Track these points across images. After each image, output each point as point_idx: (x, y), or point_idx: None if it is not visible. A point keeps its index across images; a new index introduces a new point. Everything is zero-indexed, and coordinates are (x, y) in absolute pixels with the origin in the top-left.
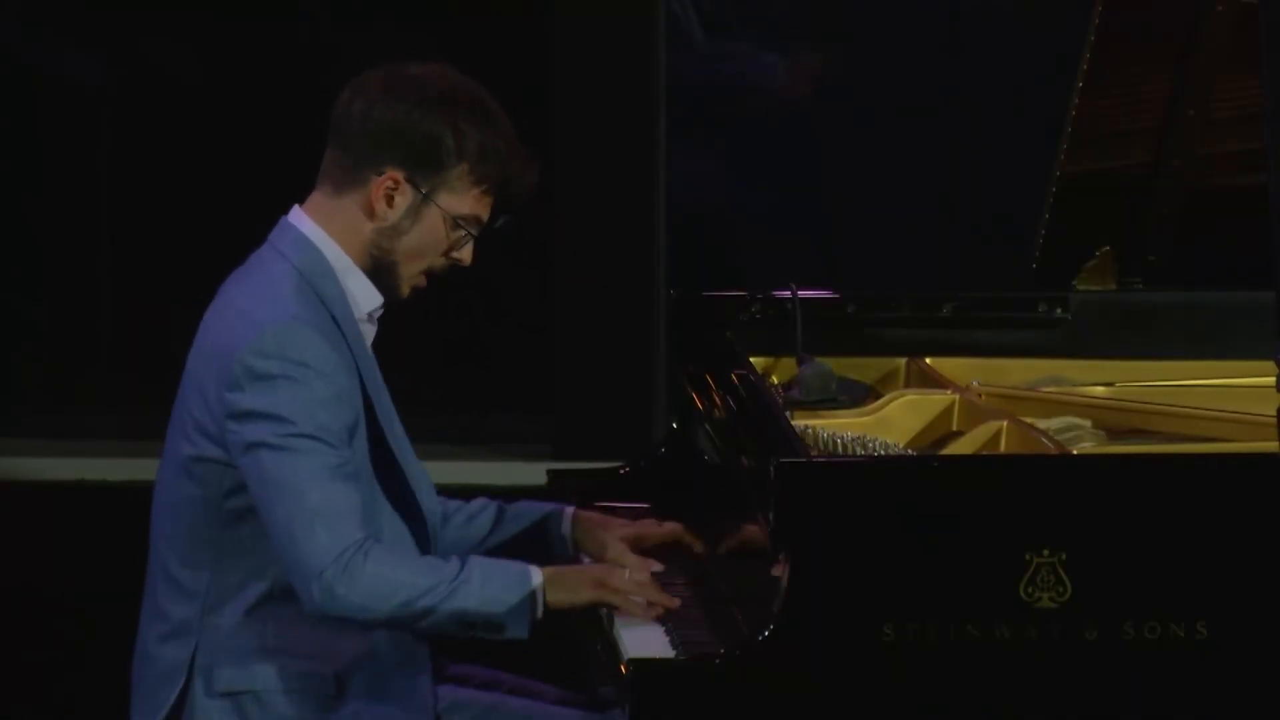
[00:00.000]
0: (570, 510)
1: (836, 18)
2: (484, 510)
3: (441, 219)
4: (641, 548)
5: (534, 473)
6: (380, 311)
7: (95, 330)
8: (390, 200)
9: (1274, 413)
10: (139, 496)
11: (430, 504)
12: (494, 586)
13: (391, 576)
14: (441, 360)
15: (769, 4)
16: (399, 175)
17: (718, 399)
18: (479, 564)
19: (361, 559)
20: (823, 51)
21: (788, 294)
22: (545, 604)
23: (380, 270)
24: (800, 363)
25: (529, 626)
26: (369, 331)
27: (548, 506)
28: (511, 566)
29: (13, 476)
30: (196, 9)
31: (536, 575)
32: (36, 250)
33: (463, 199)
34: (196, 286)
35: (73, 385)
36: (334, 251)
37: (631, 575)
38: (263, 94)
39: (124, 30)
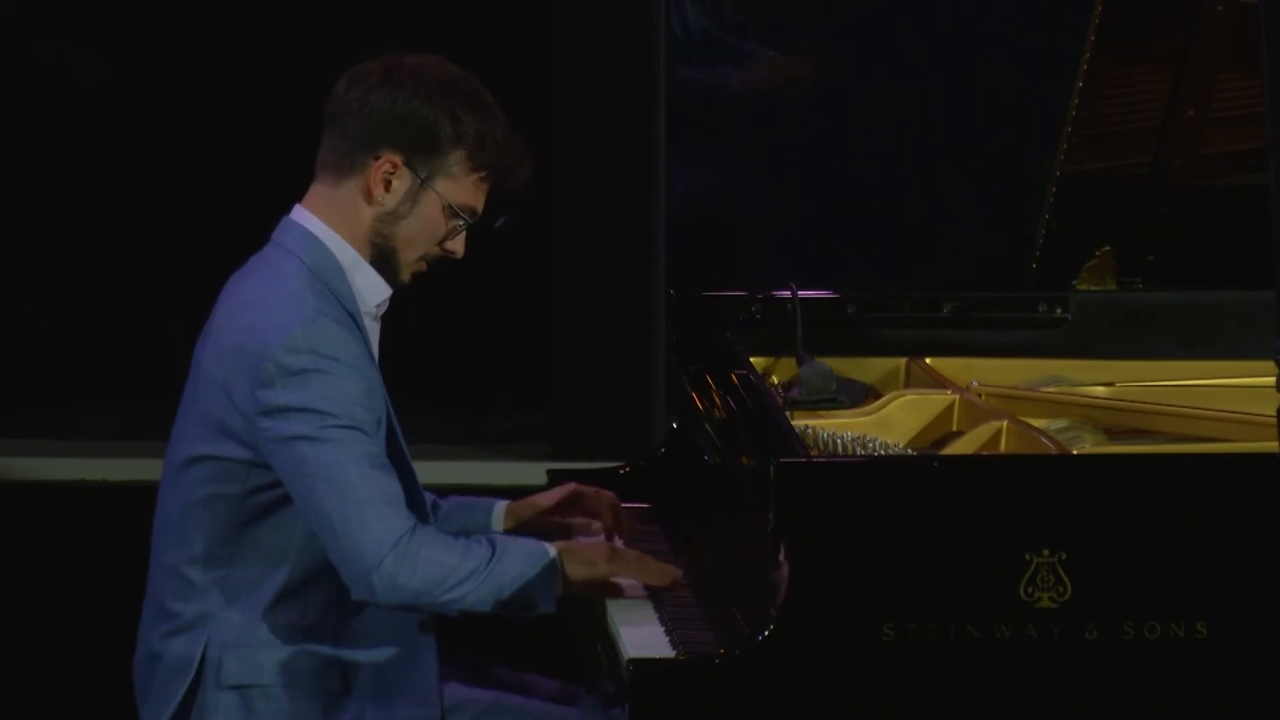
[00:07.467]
0: (502, 504)
1: (836, 18)
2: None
3: (439, 206)
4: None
5: (534, 473)
6: (385, 307)
7: (94, 331)
8: (388, 185)
9: (1274, 413)
10: (139, 496)
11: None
12: (522, 564)
13: (444, 561)
14: (441, 360)
15: (769, 4)
16: (397, 159)
17: (718, 399)
18: (505, 542)
19: (416, 545)
20: (822, 51)
21: (788, 294)
22: (566, 578)
23: (381, 258)
24: (800, 363)
25: (555, 601)
26: (374, 329)
27: (478, 501)
28: (529, 543)
29: (13, 476)
30: (196, 8)
31: (551, 550)
32: (35, 250)
33: (460, 185)
34: (195, 287)
35: (71, 385)
36: (340, 245)
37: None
38: (262, 94)
39: (123, 29)
